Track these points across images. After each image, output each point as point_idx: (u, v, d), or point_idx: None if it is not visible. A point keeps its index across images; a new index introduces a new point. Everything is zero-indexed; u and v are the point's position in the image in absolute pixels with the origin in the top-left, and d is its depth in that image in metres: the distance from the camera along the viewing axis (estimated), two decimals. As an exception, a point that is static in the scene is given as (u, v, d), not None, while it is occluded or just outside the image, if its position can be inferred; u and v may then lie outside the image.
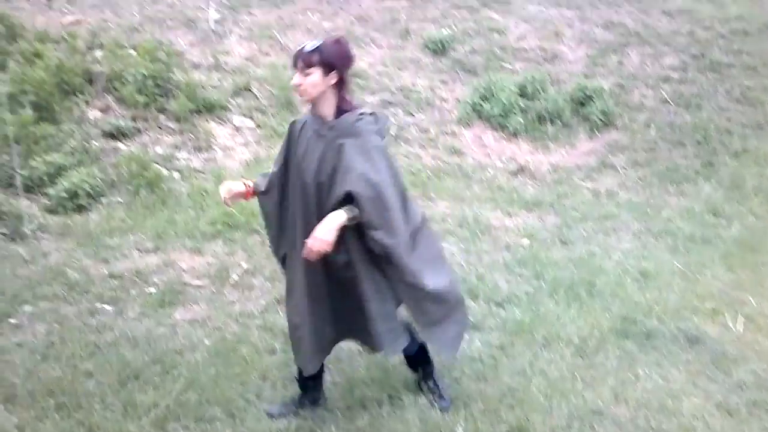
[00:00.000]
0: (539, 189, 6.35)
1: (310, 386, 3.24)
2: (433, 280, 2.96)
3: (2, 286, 4.25)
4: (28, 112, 5.91)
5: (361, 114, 2.84)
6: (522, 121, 7.22)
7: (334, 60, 2.77)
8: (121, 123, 6.27)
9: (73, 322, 3.94)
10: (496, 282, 4.56)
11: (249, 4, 8.35)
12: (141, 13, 7.84)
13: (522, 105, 7.32)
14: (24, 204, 5.26)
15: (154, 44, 6.97)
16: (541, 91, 7.50)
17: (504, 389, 3.42)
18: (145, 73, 6.53)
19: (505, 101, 7.26)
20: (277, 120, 6.69)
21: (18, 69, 6.33)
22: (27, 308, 4.06)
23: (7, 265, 4.56)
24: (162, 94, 6.58)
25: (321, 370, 3.24)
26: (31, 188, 5.44)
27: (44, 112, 6.05)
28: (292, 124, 3.01)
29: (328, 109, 2.84)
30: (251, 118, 6.78)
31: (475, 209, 5.75)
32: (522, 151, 7.02)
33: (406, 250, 2.85)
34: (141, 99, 6.44)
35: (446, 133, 7.11)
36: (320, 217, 2.74)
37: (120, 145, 6.12)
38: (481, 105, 7.30)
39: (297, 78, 2.79)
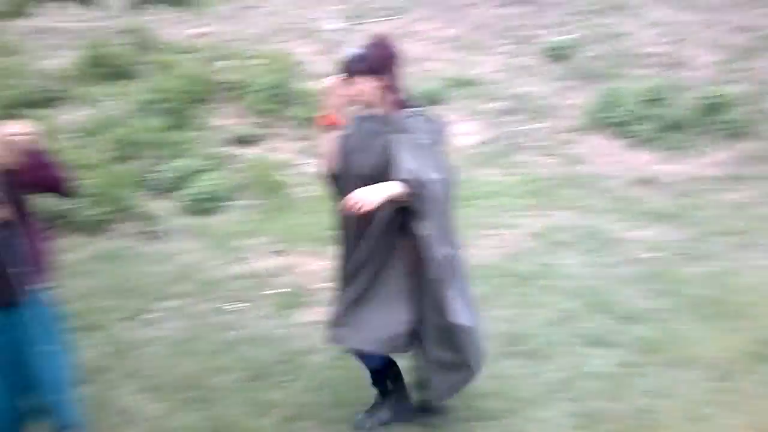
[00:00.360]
0: (666, 200, 6.05)
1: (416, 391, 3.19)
2: (461, 317, 2.86)
3: (138, 284, 4.50)
4: (161, 120, 6.26)
5: (413, 112, 2.83)
6: (647, 129, 6.92)
7: (377, 64, 2.76)
8: (246, 130, 6.54)
9: (203, 320, 4.11)
10: (621, 297, 4.37)
11: (366, 15, 8.47)
12: (264, 24, 8.13)
13: (647, 113, 7.03)
14: (157, 206, 5.56)
15: (276, 54, 7.22)
16: (667, 99, 7.17)
17: (635, 409, 3.27)
18: (268, 83, 6.76)
19: (628, 109, 6.99)
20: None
21: (151, 78, 6.73)
22: (161, 305, 4.28)
23: (142, 263, 4.83)
24: (284, 102, 6.79)
25: (400, 373, 3.18)
26: (164, 191, 5.74)
27: (175, 119, 6.38)
28: (351, 119, 2.99)
29: (381, 110, 2.84)
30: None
31: (598, 220, 5.55)
32: (646, 160, 6.72)
33: (442, 249, 2.79)
34: (264, 107, 6.69)
35: (566, 142, 6.92)
36: None
37: (245, 151, 6.36)
38: (602, 112, 7.07)
39: (345, 88, 2.80)
